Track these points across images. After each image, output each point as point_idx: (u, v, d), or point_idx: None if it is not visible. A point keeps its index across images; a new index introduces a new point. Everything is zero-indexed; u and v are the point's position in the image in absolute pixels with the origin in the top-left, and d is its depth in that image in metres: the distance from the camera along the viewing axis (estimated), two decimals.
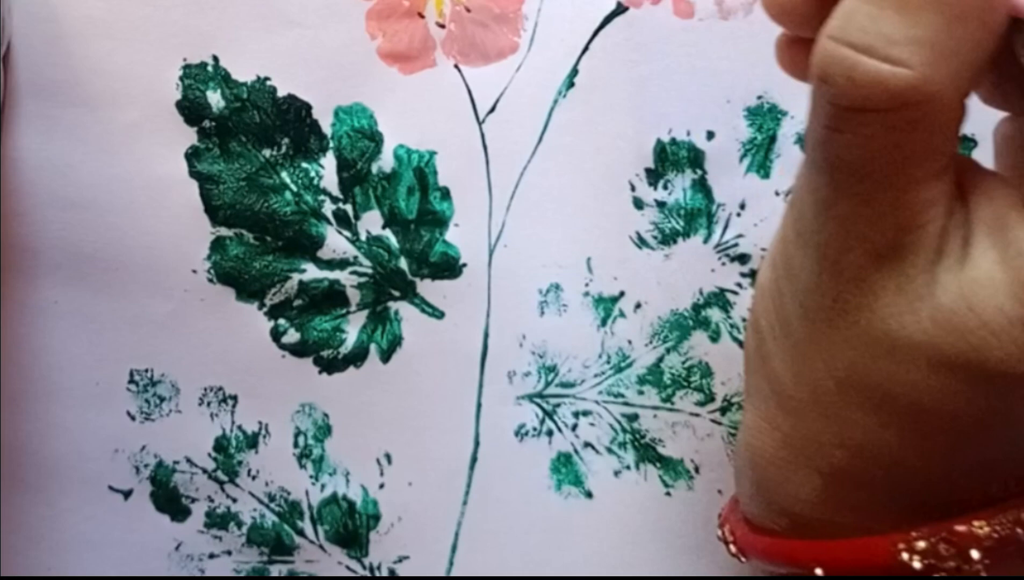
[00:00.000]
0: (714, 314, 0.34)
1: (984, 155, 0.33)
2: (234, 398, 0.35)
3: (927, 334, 0.22)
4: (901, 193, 0.22)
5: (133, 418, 0.36)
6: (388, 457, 0.36)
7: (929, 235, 0.22)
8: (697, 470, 0.35)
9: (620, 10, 0.33)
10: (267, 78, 0.33)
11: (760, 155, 0.33)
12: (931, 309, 0.22)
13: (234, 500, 0.36)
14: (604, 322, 0.35)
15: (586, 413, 0.35)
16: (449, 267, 0.35)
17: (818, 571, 0.24)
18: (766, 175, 0.34)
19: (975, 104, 0.32)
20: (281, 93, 0.33)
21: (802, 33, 0.26)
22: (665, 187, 0.34)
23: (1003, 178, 0.24)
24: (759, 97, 0.33)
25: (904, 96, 0.21)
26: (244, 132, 0.33)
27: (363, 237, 0.34)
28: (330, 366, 0.35)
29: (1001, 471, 0.23)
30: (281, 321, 0.35)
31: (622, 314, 0.35)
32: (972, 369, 0.21)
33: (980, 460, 0.23)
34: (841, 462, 0.24)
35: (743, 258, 0.34)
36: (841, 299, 0.23)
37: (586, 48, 0.33)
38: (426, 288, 0.35)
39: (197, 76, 0.33)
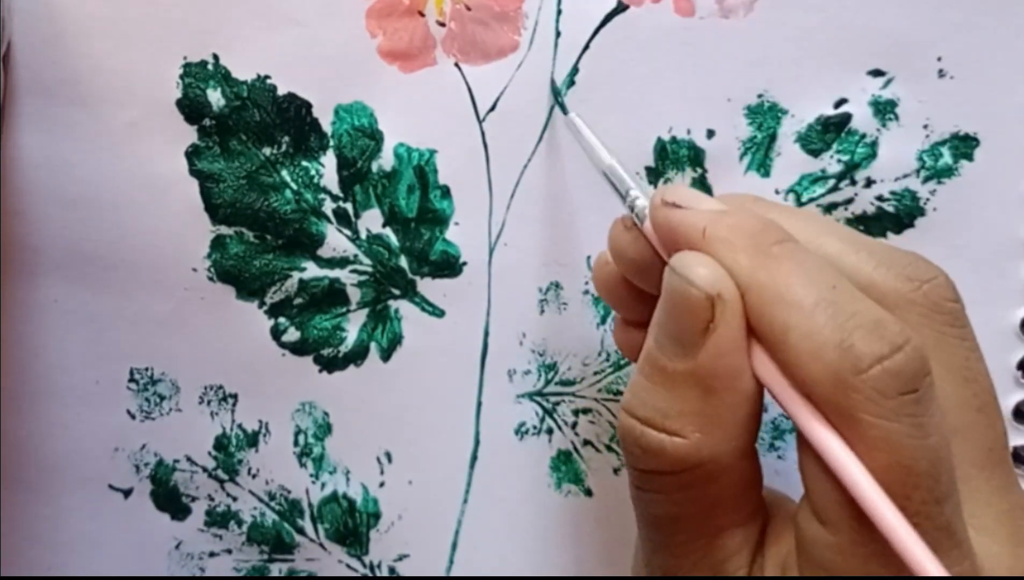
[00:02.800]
0: None
1: (986, 155, 0.33)
2: (234, 396, 0.35)
3: None
4: (708, 542, 0.24)
5: (133, 417, 0.36)
6: (388, 455, 0.36)
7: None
8: None
9: (620, 8, 0.33)
10: (267, 76, 0.33)
11: (760, 154, 0.33)
12: None
13: (234, 499, 0.36)
14: (604, 320, 0.35)
15: (586, 411, 0.35)
16: (449, 265, 0.35)
17: None
18: (766, 174, 0.34)
19: (981, 96, 0.32)
20: (281, 91, 0.33)
21: (628, 315, 0.29)
22: None
23: (793, 514, 0.25)
24: (759, 95, 0.33)
25: (684, 461, 0.23)
26: (244, 130, 0.33)
27: (363, 235, 0.34)
28: (330, 364, 0.35)
29: None
30: (281, 319, 0.35)
31: None
32: None
33: None
34: None
35: None
36: None
37: (587, 46, 0.33)
38: (426, 286, 0.35)
39: (197, 74, 0.33)
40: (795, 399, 0.22)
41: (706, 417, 0.23)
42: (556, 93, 0.33)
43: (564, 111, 0.33)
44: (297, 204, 0.34)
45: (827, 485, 0.22)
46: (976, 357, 0.25)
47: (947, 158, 0.33)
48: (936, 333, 0.24)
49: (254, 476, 0.36)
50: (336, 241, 0.34)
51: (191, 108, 0.33)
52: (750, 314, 0.23)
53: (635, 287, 0.28)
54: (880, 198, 0.33)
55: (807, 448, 0.22)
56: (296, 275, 0.35)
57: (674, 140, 0.34)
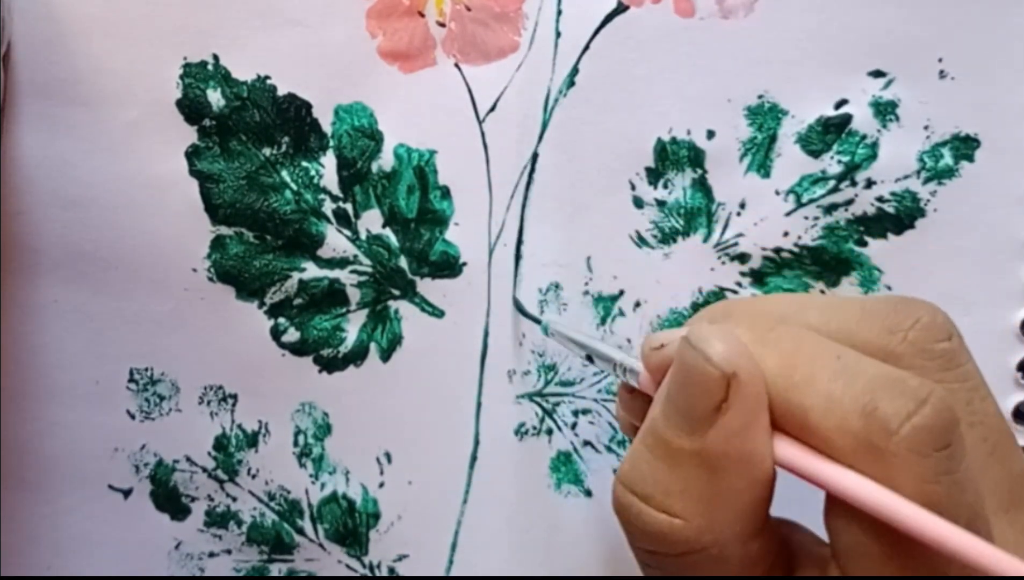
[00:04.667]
0: None
1: (987, 156, 0.33)
2: (234, 397, 0.35)
3: None
4: None
5: (133, 417, 0.36)
6: (388, 456, 0.36)
7: None
8: None
9: (621, 9, 0.33)
10: (267, 77, 0.33)
11: (760, 154, 0.33)
12: None
13: (234, 499, 0.36)
14: (604, 321, 0.35)
15: (585, 411, 0.35)
16: (449, 266, 0.35)
17: None
18: (766, 174, 0.34)
19: (981, 97, 0.32)
20: (281, 92, 0.33)
21: None
22: (665, 186, 0.34)
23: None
24: (760, 96, 0.33)
25: (685, 544, 0.22)
26: (244, 131, 0.33)
27: (363, 236, 0.34)
28: (330, 365, 0.35)
29: None
30: (281, 320, 0.35)
31: (621, 313, 0.35)
32: None
33: None
34: None
35: (743, 257, 0.34)
36: None
37: (587, 47, 0.33)
38: (426, 287, 0.35)
39: (197, 75, 0.33)
40: (827, 469, 0.21)
41: (709, 500, 0.22)
42: (522, 310, 0.34)
43: (536, 321, 0.34)
44: (297, 204, 0.34)
45: (871, 559, 0.20)
46: (980, 396, 0.23)
47: (948, 159, 0.33)
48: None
49: (254, 476, 0.36)
50: (336, 241, 0.34)
51: (191, 108, 0.33)
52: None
53: None
54: (880, 199, 0.33)
55: (844, 528, 0.21)
56: (296, 275, 0.35)
57: (674, 140, 0.33)
